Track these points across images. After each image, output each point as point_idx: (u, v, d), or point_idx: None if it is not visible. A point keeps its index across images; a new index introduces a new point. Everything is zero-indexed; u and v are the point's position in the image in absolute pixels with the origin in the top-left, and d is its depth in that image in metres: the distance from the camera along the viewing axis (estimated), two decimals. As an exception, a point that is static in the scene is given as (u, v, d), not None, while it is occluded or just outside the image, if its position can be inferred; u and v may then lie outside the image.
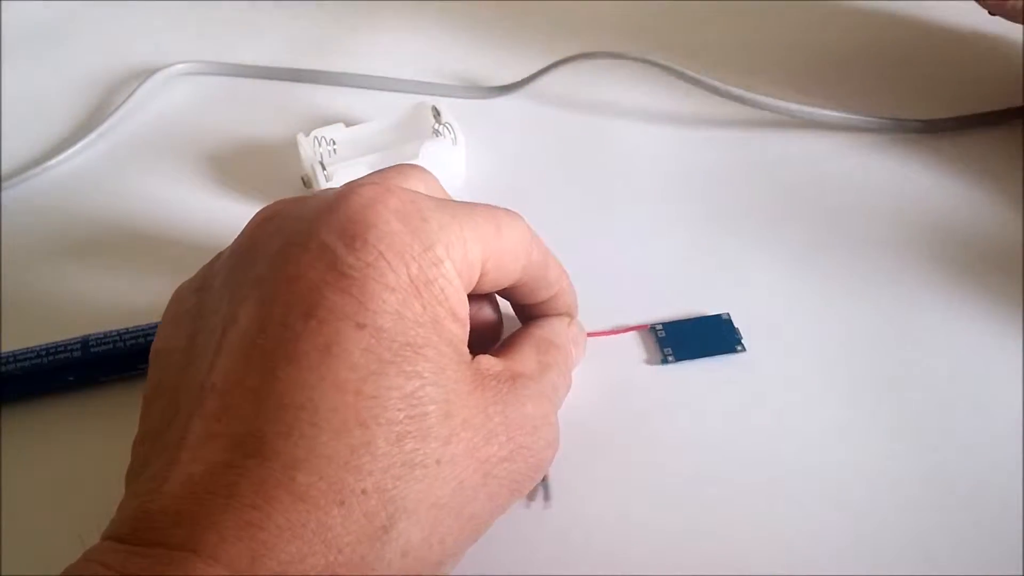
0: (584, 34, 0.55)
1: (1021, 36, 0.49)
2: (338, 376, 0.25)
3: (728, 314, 0.39)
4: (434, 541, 0.26)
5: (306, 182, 0.45)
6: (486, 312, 0.35)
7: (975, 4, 0.45)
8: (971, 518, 0.33)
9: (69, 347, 0.37)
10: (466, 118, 0.48)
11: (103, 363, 0.37)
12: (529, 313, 0.36)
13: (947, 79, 0.49)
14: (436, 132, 0.45)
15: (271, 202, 0.31)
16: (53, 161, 0.48)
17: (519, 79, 0.50)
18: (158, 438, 0.27)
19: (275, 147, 0.48)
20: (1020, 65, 0.48)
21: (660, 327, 0.39)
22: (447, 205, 0.29)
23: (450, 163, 0.45)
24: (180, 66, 0.54)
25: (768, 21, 0.55)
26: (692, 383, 0.37)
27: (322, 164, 0.43)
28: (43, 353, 0.37)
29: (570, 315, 0.36)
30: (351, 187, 0.28)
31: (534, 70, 0.50)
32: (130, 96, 0.51)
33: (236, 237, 0.30)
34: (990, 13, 0.44)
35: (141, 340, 0.37)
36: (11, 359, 0.36)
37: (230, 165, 0.48)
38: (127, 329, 0.37)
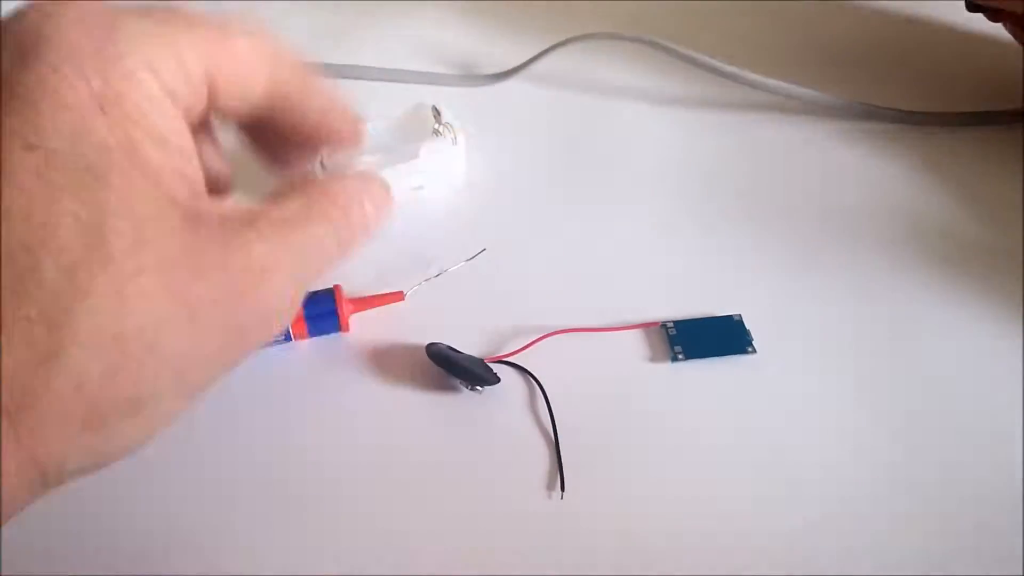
0: (580, 16, 0.54)
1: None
2: (6, 202, 0.23)
3: (740, 315, 0.39)
4: (120, 376, 0.23)
5: (305, 182, 0.44)
6: (210, 156, 0.31)
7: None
8: (975, 519, 0.33)
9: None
10: (465, 107, 0.47)
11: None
12: (296, 150, 0.32)
13: (954, 75, 0.49)
14: (436, 132, 0.44)
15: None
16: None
17: (516, 64, 0.50)
18: None
19: None
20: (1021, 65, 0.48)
21: (671, 324, 0.39)
22: (154, 13, 0.26)
23: (450, 163, 0.44)
24: None
25: (774, 15, 0.55)
26: (702, 382, 0.37)
27: (322, 164, 0.42)
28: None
29: (352, 138, 0.32)
30: (31, 3, 0.25)
31: (531, 55, 0.50)
32: None
33: None
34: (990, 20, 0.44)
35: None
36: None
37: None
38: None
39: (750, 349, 0.38)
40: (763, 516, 0.33)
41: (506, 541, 0.33)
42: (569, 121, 0.48)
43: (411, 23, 0.56)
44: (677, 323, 0.39)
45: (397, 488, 0.34)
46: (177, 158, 0.25)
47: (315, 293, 0.38)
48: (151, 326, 0.23)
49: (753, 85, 0.45)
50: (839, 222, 0.43)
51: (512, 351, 0.37)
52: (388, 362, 0.37)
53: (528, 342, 0.38)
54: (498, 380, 0.36)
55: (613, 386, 0.37)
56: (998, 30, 0.46)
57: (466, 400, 0.36)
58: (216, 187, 0.30)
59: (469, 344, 0.38)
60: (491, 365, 0.36)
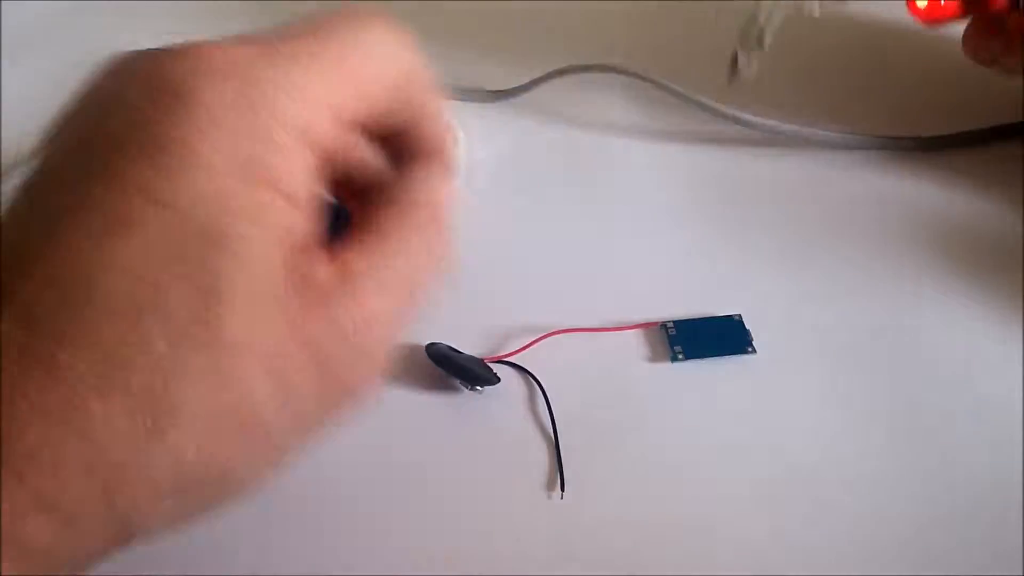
0: (581, 46, 0.54)
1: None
2: (123, 256, 0.22)
3: (740, 315, 0.39)
4: (215, 456, 0.23)
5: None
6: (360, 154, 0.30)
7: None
8: (976, 519, 0.33)
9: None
10: (468, 120, 0.47)
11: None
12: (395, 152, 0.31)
13: (938, 97, 0.49)
14: None
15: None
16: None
17: (516, 86, 0.50)
18: None
19: None
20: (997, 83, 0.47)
21: (671, 324, 0.39)
22: (289, 53, 0.26)
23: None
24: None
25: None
26: (702, 381, 0.37)
27: None
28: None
29: (437, 155, 0.31)
30: (187, 48, 0.25)
31: (531, 78, 0.50)
32: None
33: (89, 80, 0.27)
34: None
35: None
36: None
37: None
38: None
39: (750, 349, 0.38)
40: (764, 516, 0.33)
41: (505, 541, 0.33)
42: (564, 147, 0.48)
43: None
44: (677, 323, 0.39)
45: (396, 488, 0.34)
46: (300, 217, 0.25)
47: None
48: (248, 406, 0.23)
49: (748, 125, 0.45)
50: (837, 226, 0.43)
51: (512, 351, 0.37)
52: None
53: (528, 342, 0.38)
54: (498, 380, 0.36)
55: (613, 386, 0.37)
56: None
57: (466, 400, 0.36)
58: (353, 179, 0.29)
59: (469, 344, 0.37)
60: (491, 365, 0.36)
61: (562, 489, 0.34)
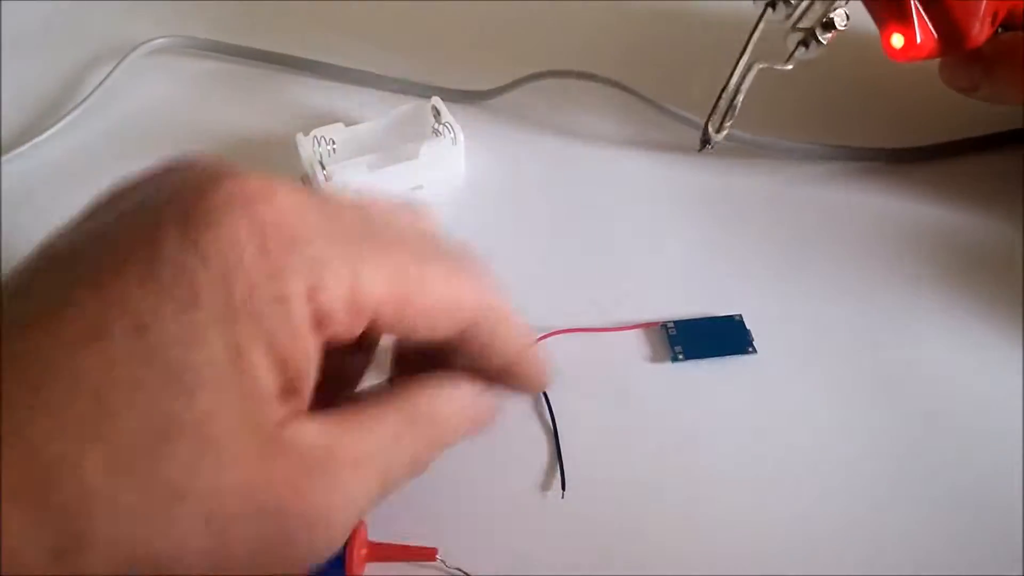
0: (560, 51, 0.54)
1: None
2: (84, 370, 0.22)
3: (740, 316, 0.39)
4: None
5: (305, 182, 0.45)
6: (352, 364, 0.31)
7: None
8: (976, 519, 0.33)
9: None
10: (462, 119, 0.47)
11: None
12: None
13: (910, 110, 0.49)
14: (436, 132, 0.45)
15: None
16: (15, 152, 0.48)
17: (491, 88, 0.50)
18: None
19: (270, 143, 0.48)
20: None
21: (671, 324, 0.39)
22: (353, 232, 0.25)
23: (450, 162, 0.45)
24: (161, 40, 0.54)
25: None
26: (702, 382, 0.38)
27: (321, 164, 0.43)
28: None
29: (525, 391, 0.32)
30: (238, 175, 0.24)
31: (508, 81, 0.49)
32: (108, 75, 0.52)
33: (146, 170, 0.27)
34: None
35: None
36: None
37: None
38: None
39: (751, 349, 0.38)
40: (764, 516, 0.33)
41: (505, 540, 0.33)
42: (543, 138, 0.49)
43: (406, 33, 0.57)
44: (677, 323, 0.39)
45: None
46: (283, 381, 0.24)
47: None
48: (173, 554, 0.22)
49: (733, 140, 0.45)
50: (818, 233, 0.43)
51: None
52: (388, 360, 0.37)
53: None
54: None
55: (613, 385, 0.37)
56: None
57: None
58: (339, 384, 0.29)
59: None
60: None
61: (563, 488, 0.34)
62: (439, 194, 0.45)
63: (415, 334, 0.26)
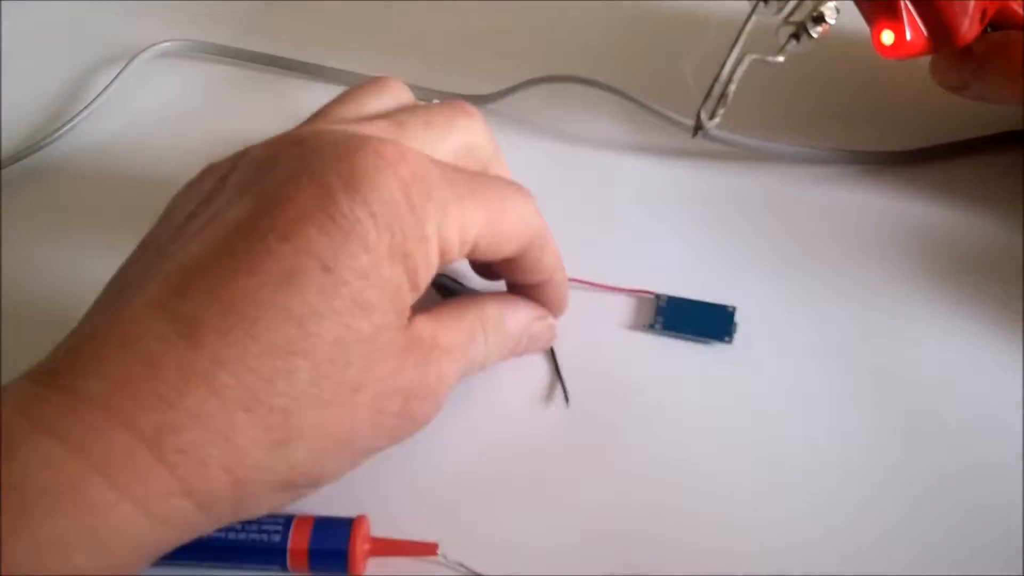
0: (558, 56, 0.54)
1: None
2: (288, 303, 0.28)
3: (734, 307, 0.41)
4: (317, 464, 0.29)
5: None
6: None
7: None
8: (969, 523, 0.34)
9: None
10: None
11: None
12: (514, 290, 0.38)
13: (908, 111, 0.50)
14: None
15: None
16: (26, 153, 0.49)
17: (489, 92, 0.51)
18: (124, 286, 0.30)
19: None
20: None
21: (664, 297, 0.41)
22: (457, 180, 0.32)
23: None
24: (167, 44, 0.55)
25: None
26: (669, 356, 0.40)
27: None
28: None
29: (550, 311, 0.38)
30: (371, 142, 0.30)
31: (506, 86, 0.51)
32: (114, 79, 0.52)
33: (270, 142, 0.33)
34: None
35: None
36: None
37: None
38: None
39: (727, 339, 0.39)
40: (723, 508, 0.35)
41: (518, 439, 0.37)
42: (542, 143, 0.50)
43: (405, 36, 0.58)
44: (671, 298, 0.41)
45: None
46: (414, 297, 0.31)
47: (330, 523, 0.34)
48: (350, 432, 0.30)
49: (722, 141, 0.45)
50: (835, 236, 0.44)
51: None
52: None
53: None
54: None
55: (587, 339, 0.40)
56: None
57: None
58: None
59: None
60: None
61: (566, 399, 0.38)
62: None
63: (496, 253, 0.33)
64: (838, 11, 0.37)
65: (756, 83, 0.41)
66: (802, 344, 0.40)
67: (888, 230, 0.44)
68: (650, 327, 0.40)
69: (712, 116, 0.39)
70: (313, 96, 0.51)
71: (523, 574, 0.33)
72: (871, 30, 0.40)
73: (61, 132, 0.49)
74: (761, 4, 0.38)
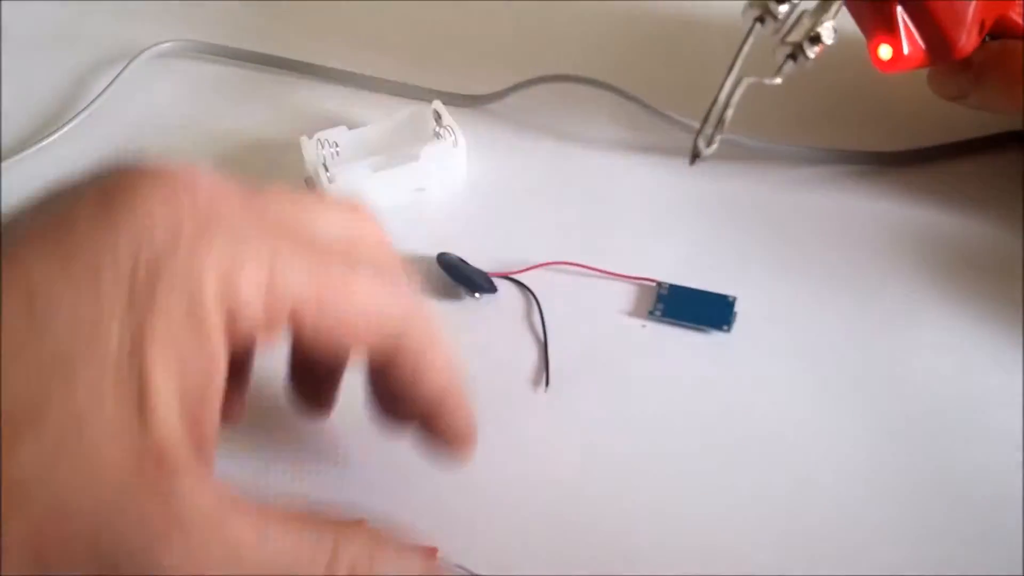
0: (560, 56, 0.54)
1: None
2: None
3: (735, 297, 0.41)
4: None
5: (309, 184, 0.47)
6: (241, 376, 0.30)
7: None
8: (964, 522, 0.34)
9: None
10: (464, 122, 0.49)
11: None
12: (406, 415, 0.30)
13: (901, 113, 0.50)
14: (437, 135, 0.48)
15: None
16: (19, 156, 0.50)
17: (490, 92, 0.52)
18: None
19: (274, 146, 0.50)
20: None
21: (666, 285, 0.42)
22: (272, 224, 0.25)
23: (451, 165, 0.47)
24: (167, 44, 0.55)
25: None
26: (668, 344, 0.40)
27: (325, 167, 0.46)
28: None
29: (453, 444, 0.31)
30: (163, 163, 0.24)
31: (506, 85, 0.51)
32: (114, 80, 0.53)
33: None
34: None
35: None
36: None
37: (232, 164, 0.50)
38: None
39: (725, 328, 0.40)
40: (712, 501, 0.35)
41: (502, 424, 0.36)
42: (563, 137, 0.50)
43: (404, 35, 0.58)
44: (672, 286, 0.42)
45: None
46: (189, 402, 0.22)
47: None
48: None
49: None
50: (831, 236, 0.44)
51: (515, 271, 0.42)
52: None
53: (530, 266, 0.42)
54: (495, 289, 0.41)
55: (588, 323, 0.41)
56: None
57: (467, 305, 0.41)
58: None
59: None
60: (494, 279, 0.41)
61: (547, 384, 0.38)
62: (440, 196, 0.47)
63: (336, 338, 0.26)
64: (835, 31, 0.37)
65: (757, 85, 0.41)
66: (794, 341, 0.40)
67: (888, 229, 0.44)
68: (650, 314, 0.41)
69: (710, 143, 0.38)
70: (312, 96, 0.53)
71: (523, 574, 0.33)
72: (868, 44, 0.40)
73: (59, 133, 0.50)
74: (759, 25, 0.37)
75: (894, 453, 0.36)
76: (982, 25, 0.39)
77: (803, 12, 0.36)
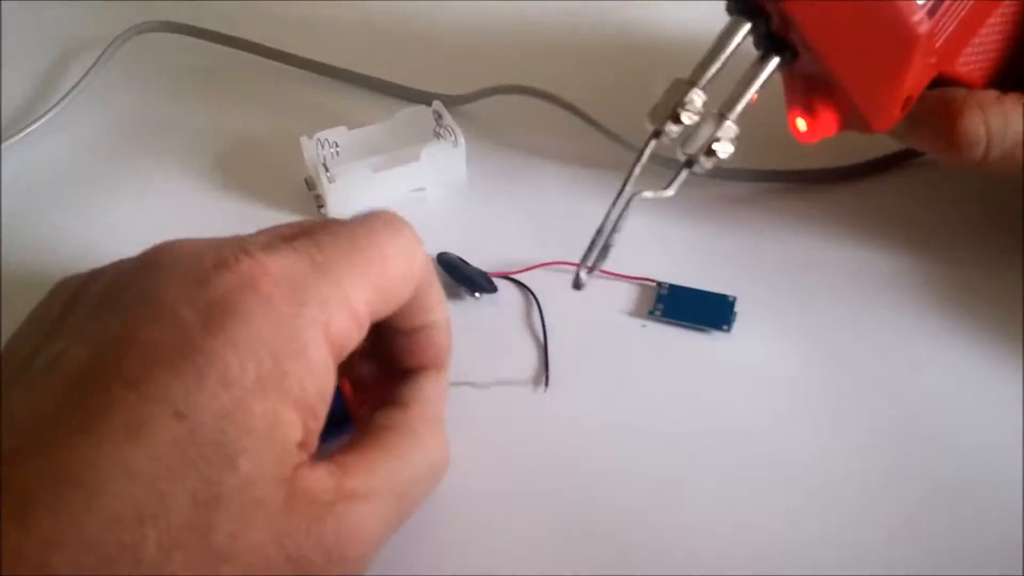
0: (521, 68, 0.54)
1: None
2: (134, 461, 0.24)
3: (735, 297, 0.41)
4: None
5: (309, 184, 0.48)
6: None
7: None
8: (960, 517, 0.34)
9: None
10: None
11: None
12: (396, 351, 0.34)
13: None
14: (437, 134, 0.48)
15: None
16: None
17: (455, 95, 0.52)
18: None
19: (273, 144, 0.51)
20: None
21: (667, 285, 0.42)
22: (330, 262, 0.29)
23: (451, 165, 0.48)
24: (162, 33, 0.56)
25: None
26: (668, 343, 0.41)
27: (325, 167, 0.46)
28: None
29: (436, 363, 0.34)
30: (227, 260, 0.27)
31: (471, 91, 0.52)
32: (92, 68, 0.54)
33: (122, 265, 0.30)
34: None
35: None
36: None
37: (232, 163, 0.50)
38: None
39: (725, 327, 0.40)
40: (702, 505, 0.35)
41: (503, 422, 0.37)
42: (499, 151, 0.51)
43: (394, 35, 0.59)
44: (672, 286, 0.42)
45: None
46: (305, 425, 0.27)
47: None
48: None
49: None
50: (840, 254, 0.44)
51: (515, 271, 0.42)
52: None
53: (530, 266, 0.42)
54: (496, 289, 0.41)
55: (590, 322, 0.41)
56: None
57: (467, 306, 0.41)
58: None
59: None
60: (494, 279, 0.41)
61: (546, 384, 0.38)
62: (441, 196, 0.47)
63: (390, 308, 0.30)
64: (733, 144, 0.36)
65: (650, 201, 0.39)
66: (800, 338, 0.41)
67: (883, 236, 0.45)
68: (650, 314, 0.41)
69: (592, 270, 0.36)
70: (310, 93, 0.54)
71: (523, 574, 0.33)
72: (787, 114, 0.39)
73: (42, 120, 0.51)
74: (653, 141, 0.36)
75: (895, 453, 0.36)
76: (907, 101, 0.37)
77: (701, 122, 0.36)
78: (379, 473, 0.29)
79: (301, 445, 0.27)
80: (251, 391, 0.25)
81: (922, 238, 0.44)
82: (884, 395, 0.38)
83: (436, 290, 0.33)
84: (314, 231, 0.30)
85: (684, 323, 0.41)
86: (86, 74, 0.53)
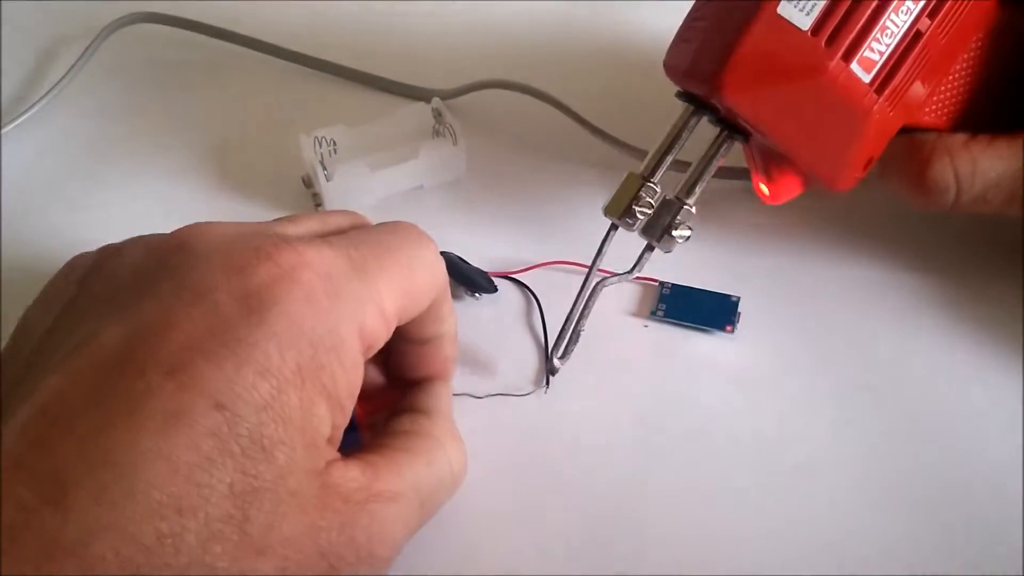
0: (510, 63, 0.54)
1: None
2: (174, 452, 0.24)
3: (739, 297, 0.41)
4: None
5: (306, 182, 0.47)
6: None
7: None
8: (960, 517, 0.34)
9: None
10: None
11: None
12: (405, 360, 0.35)
13: None
14: (436, 133, 0.48)
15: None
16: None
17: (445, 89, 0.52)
18: None
19: (272, 143, 0.50)
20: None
21: (669, 285, 0.42)
22: (367, 262, 0.29)
23: (450, 163, 0.47)
24: (157, 25, 0.56)
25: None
26: (670, 344, 0.40)
27: (323, 164, 0.46)
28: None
29: (443, 372, 0.35)
30: (266, 248, 0.27)
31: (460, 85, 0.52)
32: (84, 53, 0.53)
33: (148, 244, 0.30)
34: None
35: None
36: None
37: (226, 158, 0.50)
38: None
39: (729, 328, 0.40)
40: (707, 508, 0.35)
41: (506, 426, 0.37)
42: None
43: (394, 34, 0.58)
44: (675, 286, 0.42)
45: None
46: (340, 418, 0.28)
47: None
48: None
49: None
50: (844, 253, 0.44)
51: (515, 271, 0.42)
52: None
53: (530, 266, 0.42)
54: (496, 289, 0.41)
55: (593, 325, 0.39)
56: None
57: (467, 306, 0.41)
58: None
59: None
60: (494, 279, 0.41)
61: (547, 384, 0.38)
62: (440, 195, 0.47)
63: (413, 314, 0.31)
64: (690, 231, 0.37)
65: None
66: (804, 339, 0.40)
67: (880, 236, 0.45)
68: (652, 314, 0.41)
69: (564, 355, 0.38)
70: (310, 89, 0.54)
71: (523, 574, 0.33)
72: (752, 178, 0.40)
73: (26, 114, 0.51)
74: (613, 232, 0.37)
75: (898, 453, 0.36)
76: (868, 161, 0.37)
77: (660, 207, 0.36)
78: (407, 476, 0.30)
79: (329, 440, 0.27)
80: (290, 382, 0.25)
81: (924, 238, 0.44)
82: (888, 397, 0.38)
83: (449, 302, 0.34)
84: (344, 228, 0.31)
85: (687, 323, 0.40)
86: (73, 66, 0.53)
